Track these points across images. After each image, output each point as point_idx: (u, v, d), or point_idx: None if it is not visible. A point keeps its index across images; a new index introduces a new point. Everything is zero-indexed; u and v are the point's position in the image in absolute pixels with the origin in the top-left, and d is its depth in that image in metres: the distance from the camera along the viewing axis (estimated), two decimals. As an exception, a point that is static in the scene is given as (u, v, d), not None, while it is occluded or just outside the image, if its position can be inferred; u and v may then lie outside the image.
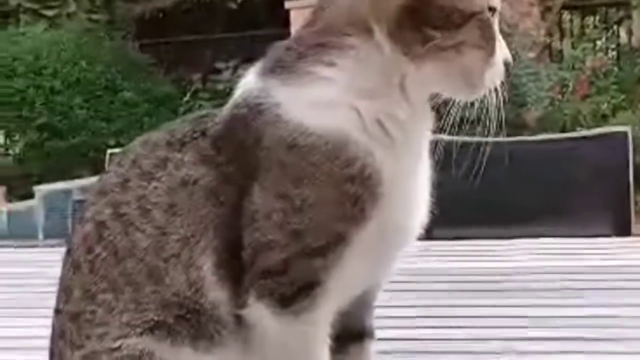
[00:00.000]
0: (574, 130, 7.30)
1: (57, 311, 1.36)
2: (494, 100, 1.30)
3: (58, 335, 1.35)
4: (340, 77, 1.26)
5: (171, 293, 1.28)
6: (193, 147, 1.31)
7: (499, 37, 1.29)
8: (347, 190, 1.22)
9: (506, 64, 1.31)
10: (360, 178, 1.22)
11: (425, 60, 1.24)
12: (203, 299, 1.28)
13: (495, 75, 1.29)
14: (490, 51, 1.27)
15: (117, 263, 1.30)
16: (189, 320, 1.28)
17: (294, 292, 1.25)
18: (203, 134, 1.32)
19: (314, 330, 1.28)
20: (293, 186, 1.23)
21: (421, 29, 1.23)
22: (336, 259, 1.24)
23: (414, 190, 1.30)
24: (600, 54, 8.91)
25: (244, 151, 1.27)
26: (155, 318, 1.28)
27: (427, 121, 1.33)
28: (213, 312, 1.29)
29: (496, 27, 1.28)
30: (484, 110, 1.31)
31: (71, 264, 1.35)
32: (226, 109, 1.33)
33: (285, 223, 1.23)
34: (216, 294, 1.28)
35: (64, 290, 1.35)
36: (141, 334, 1.28)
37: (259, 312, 1.26)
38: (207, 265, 1.28)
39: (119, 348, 1.28)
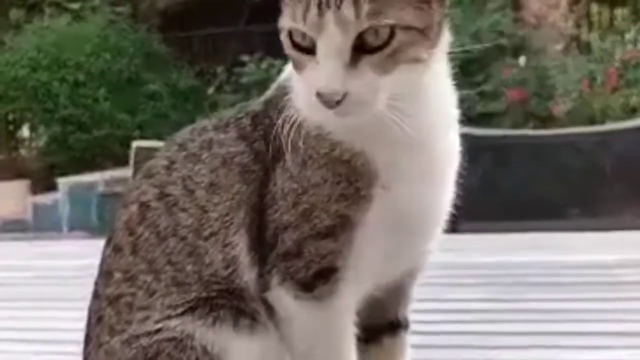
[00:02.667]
0: (603, 123, 7.21)
1: (96, 296, 1.35)
2: None
3: (95, 321, 1.34)
4: None
5: (210, 273, 1.27)
6: (236, 125, 1.32)
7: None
8: (339, 171, 1.23)
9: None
10: (347, 159, 1.22)
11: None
12: (239, 280, 1.27)
13: None
14: None
15: (159, 243, 1.30)
16: (229, 301, 1.27)
17: (312, 277, 1.24)
18: (247, 113, 1.34)
19: (337, 317, 1.27)
20: (300, 167, 1.24)
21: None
22: (347, 243, 1.24)
23: (427, 180, 1.26)
24: (629, 46, 8.79)
25: (273, 130, 1.27)
26: (196, 297, 1.27)
27: (442, 113, 1.28)
28: (250, 293, 1.28)
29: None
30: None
31: (113, 248, 1.34)
32: (270, 90, 1.34)
33: (297, 203, 1.24)
34: (250, 275, 1.28)
35: (104, 275, 1.34)
36: (182, 314, 1.27)
37: (281, 295, 1.26)
38: (240, 246, 1.28)
39: (159, 330, 1.26)
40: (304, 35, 1.16)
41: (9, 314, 2.72)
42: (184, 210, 1.30)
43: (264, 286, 1.27)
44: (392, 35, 1.14)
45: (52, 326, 2.38)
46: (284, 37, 1.19)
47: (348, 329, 1.28)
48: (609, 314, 2.38)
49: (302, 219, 1.24)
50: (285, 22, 1.18)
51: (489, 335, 2.25)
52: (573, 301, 2.54)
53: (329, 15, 1.13)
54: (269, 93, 1.34)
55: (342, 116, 1.16)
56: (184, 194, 1.31)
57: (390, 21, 1.13)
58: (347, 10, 1.12)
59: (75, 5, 10.49)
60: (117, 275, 1.31)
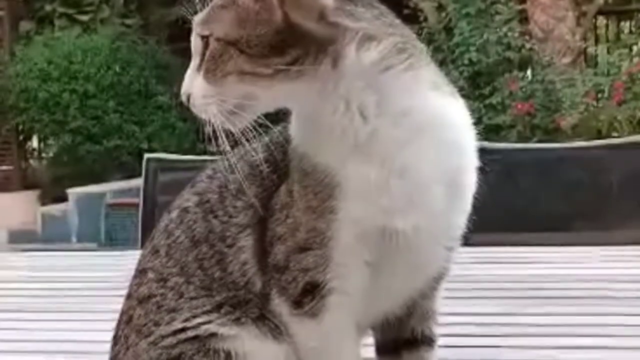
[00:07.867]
0: (609, 136, 7.22)
1: (128, 296, 1.39)
2: None
3: (125, 321, 1.36)
4: None
5: (231, 281, 1.30)
6: (269, 135, 1.33)
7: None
8: (306, 183, 1.24)
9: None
10: (310, 171, 1.24)
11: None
12: (255, 288, 1.30)
13: None
14: None
15: (193, 247, 1.33)
16: (252, 308, 1.30)
17: (300, 294, 1.26)
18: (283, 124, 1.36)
19: (332, 334, 1.28)
20: (291, 181, 1.27)
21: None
22: (325, 257, 1.24)
23: (401, 192, 1.22)
24: (636, 59, 8.80)
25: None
26: (223, 300, 1.30)
27: (401, 126, 1.23)
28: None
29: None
30: None
31: (151, 249, 1.38)
32: None
33: (287, 216, 1.27)
34: (258, 285, 1.30)
35: (139, 274, 1.38)
36: (207, 312, 1.30)
37: (280, 310, 1.28)
38: (247, 252, 1.30)
39: (182, 330, 1.29)
40: None
41: (16, 325, 2.73)
42: (216, 217, 1.33)
43: (267, 297, 1.29)
44: (206, 45, 1.20)
45: (60, 338, 2.39)
46: None
47: (346, 346, 1.30)
48: (615, 329, 2.38)
49: (289, 233, 1.26)
50: None
51: (497, 348, 2.26)
52: (578, 315, 2.54)
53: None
54: None
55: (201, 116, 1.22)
56: (219, 200, 1.34)
57: (205, 32, 1.20)
58: (197, 17, 1.23)
59: (85, 17, 10.54)
60: (150, 275, 1.35)
